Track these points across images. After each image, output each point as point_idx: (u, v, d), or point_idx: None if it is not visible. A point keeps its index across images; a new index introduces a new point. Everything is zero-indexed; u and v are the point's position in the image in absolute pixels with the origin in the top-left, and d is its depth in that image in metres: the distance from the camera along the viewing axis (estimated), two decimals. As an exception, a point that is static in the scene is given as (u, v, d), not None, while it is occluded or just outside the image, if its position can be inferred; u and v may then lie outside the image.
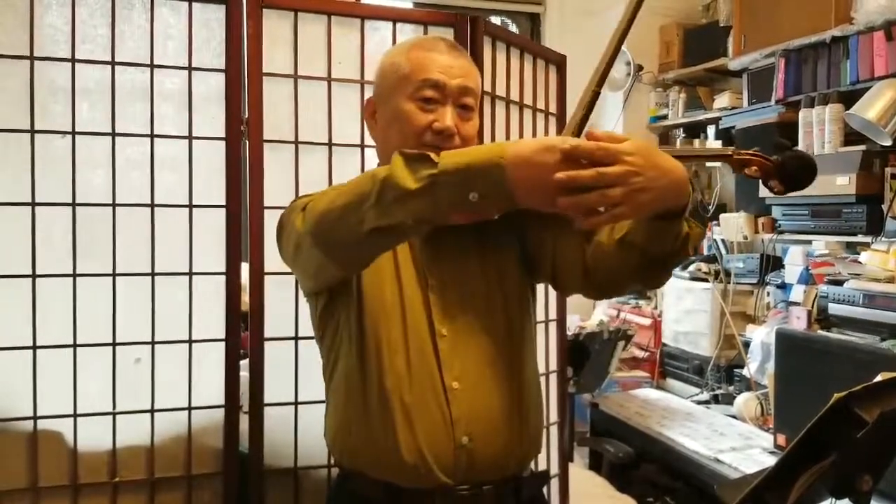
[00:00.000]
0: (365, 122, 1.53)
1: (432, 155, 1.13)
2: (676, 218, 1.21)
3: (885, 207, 2.94)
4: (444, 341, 1.39)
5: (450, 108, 1.39)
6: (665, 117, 4.40)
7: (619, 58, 4.31)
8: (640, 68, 4.33)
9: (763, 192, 3.45)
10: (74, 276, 1.91)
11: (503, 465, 1.42)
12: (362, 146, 2.08)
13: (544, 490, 1.63)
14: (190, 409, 2.00)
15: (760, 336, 3.31)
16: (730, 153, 1.28)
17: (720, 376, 3.64)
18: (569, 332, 2.93)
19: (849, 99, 3.16)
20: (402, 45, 1.50)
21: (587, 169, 1.07)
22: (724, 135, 3.93)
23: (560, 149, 1.08)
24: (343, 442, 1.45)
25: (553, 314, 2.47)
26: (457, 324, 1.41)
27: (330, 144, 2.08)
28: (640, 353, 3.99)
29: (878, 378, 1.91)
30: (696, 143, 4.21)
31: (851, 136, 3.11)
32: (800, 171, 1.25)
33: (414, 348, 1.38)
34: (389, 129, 1.43)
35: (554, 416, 2.48)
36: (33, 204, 1.88)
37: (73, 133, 1.90)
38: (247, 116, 2.01)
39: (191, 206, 1.99)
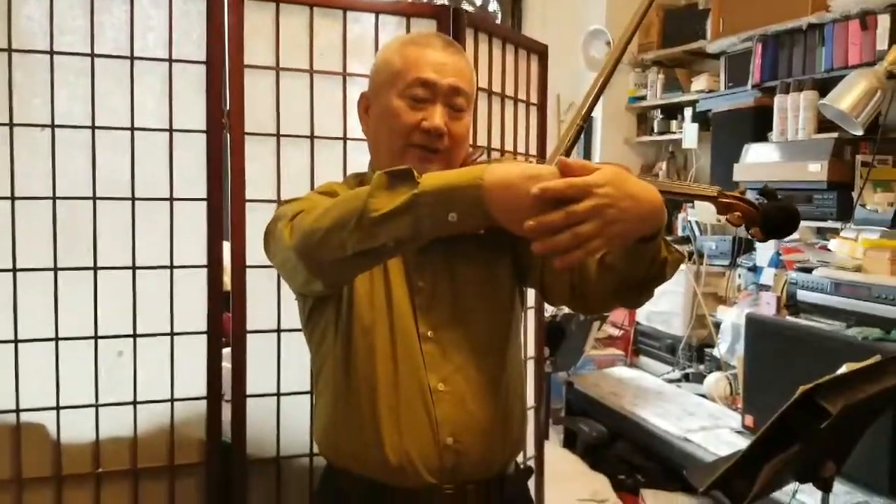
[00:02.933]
0: (358, 118, 1.50)
1: (415, 173, 1.13)
2: (652, 240, 1.22)
3: (854, 195, 3.00)
4: (430, 344, 1.41)
5: (440, 108, 1.38)
6: (644, 98, 4.42)
7: (598, 37, 4.35)
8: (619, 48, 4.33)
9: (738, 175, 3.51)
10: (56, 269, 1.91)
11: (488, 464, 1.45)
12: (344, 139, 2.09)
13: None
14: (172, 400, 2.02)
15: (731, 317, 3.39)
16: (715, 194, 1.25)
17: (691, 355, 3.72)
18: (546, 313, 2.97)
19: (823, 86, 3.20)
20: (396, 41, 1.48)
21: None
22: (701, 118, 3.97)
23: (531, 194, 1.07)
24: (330, 440, 1.47)
25: (532, 302, 2.51)
26: (443, 327, 1.42)
27: (312, 137, 2.08)
28: (615, 332, 4.06)
29: (843, 369, 1.98)
30: (673, 123, 4.25)
31: (824, 123, 3.16)
32: (782, 222, 1.24)
33: (400, 350, 1.40)
34: (380, 126, 1.43)
35: (531, 401, 2.53)
36: (13, 198, 1.87)
37: (53, 126, 1.89)
38: (228, 109, 2.01)
39: (171, 199, 1.99)
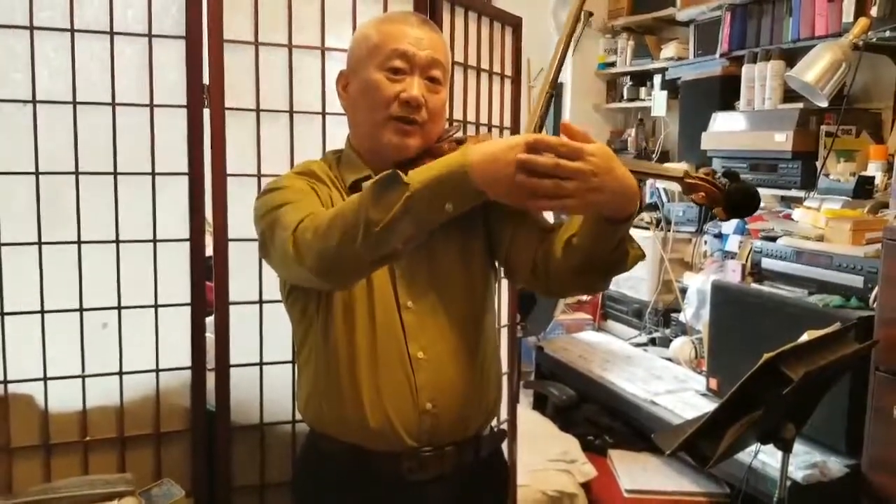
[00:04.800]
0: (337, 95, 1.54)
1: (401, 174, 1.18)
2: (622, 224, 1.28)
3: (818, 164, 3.09)
4: (410, 313, 1.47)
5: (417, 79, 1.43)
6: (613, 64, 4.47)
7: (569, 3, 4.35)
8: (589, 14, 4.35)
9: (705, 143, 3.58)
10: (40, 244, 1.94)
11: (464, 428, 1.52)
12: (323, 113, 2.12)
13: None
14: (158, 371, 2.06)
15: (697, 283, 3.48)
16: (681, 175, 1.32)
17: (658, 320, 3.82)
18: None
19: (790, 56, 3.27)
20: (373, 19, 1.52)
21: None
22: (670, 85, 4.03)
23: (525, 140, 1.15)
24: (314, 409, 1.53)
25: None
26: (422, 297, 1.48)
27: (291, 112, 2.11)
28: (584, 296, 4.14)
29: (804, 337, 2.07)
30: (643, 90, 4.30)
31: (791, 93, 3.23)
32: (744, 202, 1.31)
33: (381, 320, 1.46)
34: (359, 101, 1.47)
35: (504, 367, 2.60)
36: (-4, 173, 1.89)
37: (34, 102, 1.90)
38: (207, 84, 2.03)
39: (153, 174, 2.02)
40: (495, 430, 1.71)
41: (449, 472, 1.50)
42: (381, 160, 1.43)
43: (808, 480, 2.31)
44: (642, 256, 1.37)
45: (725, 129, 3.51)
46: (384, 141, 1.43)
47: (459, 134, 1.56)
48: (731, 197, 1.30)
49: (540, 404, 3.70)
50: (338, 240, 1.21)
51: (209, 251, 2.09)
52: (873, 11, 2.86)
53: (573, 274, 1.37)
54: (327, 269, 1.26)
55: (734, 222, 3.41)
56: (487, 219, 1.54)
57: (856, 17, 2.94)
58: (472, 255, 1.53)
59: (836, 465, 2.37)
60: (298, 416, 1.80)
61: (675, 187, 3.75)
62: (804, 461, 2.38)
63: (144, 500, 1.94)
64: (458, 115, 2.32)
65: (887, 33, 2.77)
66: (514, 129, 2.59)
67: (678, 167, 1.33)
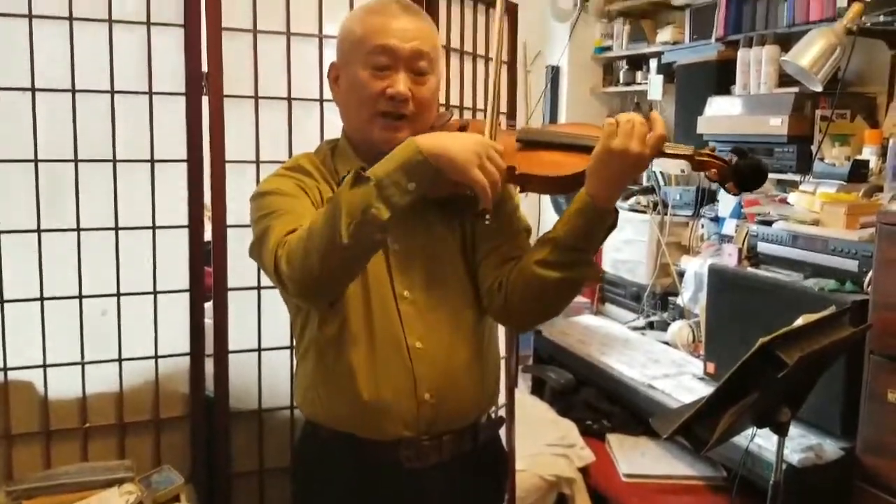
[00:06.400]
0: (329, 87, 1.55)
1: (361, 174, 1.24)
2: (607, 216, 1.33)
3: (814, 148, 3.09)
4: (407, 303, 1.47)
5: (402, 74, 1.42)
6: (609, 48, 4.46)
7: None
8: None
9: (701, 127, 3.58)
10: (39, 231, 1.95)
11: (463, 417, 1.53)
12: (321, 100, 2.12)
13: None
14: (157, 357, 2.08)
15: (694, 267, 3.48)
16: (690, 153, 1.34)
17: (655, 303, 3.83)
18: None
19: (785, 40, 3.27)
20: (357, 11, 1.51)
21: None
22: (666, 69, 4.02)
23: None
24: (312, 400, 1.53)
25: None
26: (419, 286, 1.48)
27: (289, 99, 2.11)
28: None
29: (799, 321, 2.08)
30: (639, 74, 4.30)
31: (786, 78, 3.23)
32: (752, 174, 1.34)
33: (378, 311, 1.46)
34: (349, 96, 1.47)
35: (502, 351, 2.61)
36: (-4, 161, 1.89)
37: (33, 90, 1.91)
38: (206, 71, 2.03)
39: (152, 161, 2.02)
40: (493, 416, 1.72)
41: (447, 459, 1.51)
42: (374, 152, 1.43)
43: (804, 463, 2.32)
44: (599, 277, 1.42)
45: (721, 113, 3.51)
46: (373, 137, 1.44)
47: (456, 117, 1.57)
48: (740, 171, 1.33)
49: (538, 388, 3.72)
50: (333, 262, 1.25)
51: (208, 237, 2.10)
52: (867, -4, 2.86)
53: (542, 291, 1.40)
54: (314, 291, 1.32)
55: (730, 205, 3.42)
56: (472, 233, 1.55)
57: (850, 2, 2.93)
58: (467, 242, 1.54)
59: (831, 448, 2.39)
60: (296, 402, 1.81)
61: (675, 170, 3.80)
62: (800, 444, 2.39)
63: (144, 487, 1.95)
64: (454, 100, 2.32)
65: (881, 18, 2.77)
66: (511, 114, 2.59)
67: (685, 146, 1.36)
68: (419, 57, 1.43)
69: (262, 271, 2.09)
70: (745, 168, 1.33)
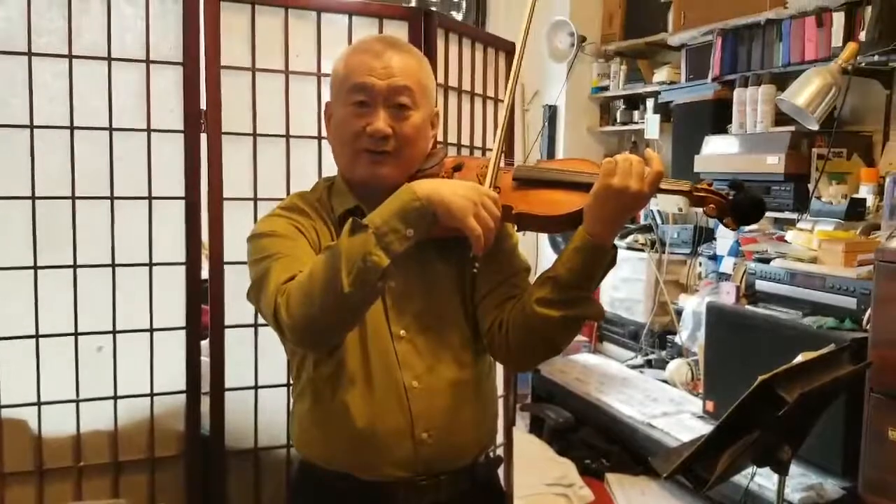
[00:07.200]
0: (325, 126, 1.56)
1: (358, 221, 1.24)
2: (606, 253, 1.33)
3: (811, 187, 3.11)
4: (403, 342, 1.46)
5: (381, 111, 1.42)
6: (606, 88, 4.51)
7: (562, 28, 4.40)
8: (583, 39, 4.41)
9: (698, 166, 3.60)
10: (35, 268, 1.94)
11: (460, 457, 1.51)
12: (319, 138, 2.13)
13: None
14: (152, 395, 2.06)
15: (692, 305, 3.49)
16: (688, 189, 1.34)
17: (654, 342, 3.82)
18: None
19: (781, 80, 3.31)
20: (345, 50, 1.52)
21: None
22: (663, 109, 4.05)
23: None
24: (308, 440, 1.52)
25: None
26: (416, 325, 1.47)
27: (287, 136, 2.12)
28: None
29: (799, 358, 2.08)
30: (636, 114, 4.33)
31: (782, 117, 3.25)
32: (751, 209, 1.34)
33: (374, 350, 1.45)
34: (336, 135, 1.48)
35: (500, 390, 2.60)
36: (-7, 198, 1.89)
37: (32, 127, 1.91)
38: (205, 109, 2.04)
39: (150, 198, 2.02)
40: (492, 456, 1.70)
41: (444, 500, 1.49)
42: (368, 190, 1.44)
43: (805, 503, 2.30)
44: (601, 315, 1.43)
45: (718, 151, 3.54)
46: (359, 173, 1.44)
47: (452, 155, 1.57)
48: (739, 205, 1.33)
49: (536, 427, 3.69)
50: (337, 314, 1.26)
51: (205, 275, 2.10)
52: (861, 36, 2.90)
53: (545, 329, 1.39)
54: (314, 339, 1.34)
55: (728, 243, 3.43)
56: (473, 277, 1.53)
57: (844, 42, 2.98)
58: (465, 282, 1.53)
59: (832, 488, 2.37)
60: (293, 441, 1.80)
61: (672, 208, 3.81)
62: (800, 483, 2.37)
63: (139, 526, 1.93)
64: (452, 138, 2.33)
65: (875, 57, 2.80)
66: (508, 152, 2.60)
67: (682, 181, 1.35)
68: (398, 93, 1.42)
69: (258, 309, 2.09)
70: (743, 202, 1.33)
